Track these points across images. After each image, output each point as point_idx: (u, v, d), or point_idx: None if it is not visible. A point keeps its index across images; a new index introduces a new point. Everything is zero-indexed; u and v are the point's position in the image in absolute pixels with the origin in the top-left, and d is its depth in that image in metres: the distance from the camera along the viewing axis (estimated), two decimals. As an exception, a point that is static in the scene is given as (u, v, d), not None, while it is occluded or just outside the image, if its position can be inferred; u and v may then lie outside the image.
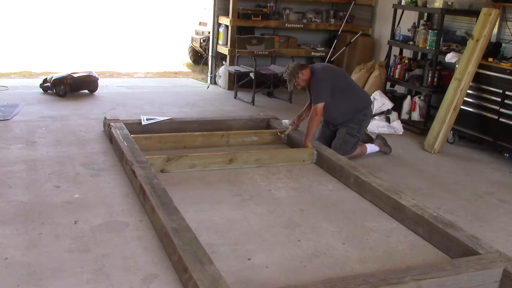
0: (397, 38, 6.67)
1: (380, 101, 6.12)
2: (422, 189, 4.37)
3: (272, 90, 7.63)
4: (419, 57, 6.88)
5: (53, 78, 6.83)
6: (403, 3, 6.55)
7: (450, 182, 4.58)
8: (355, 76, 7.22)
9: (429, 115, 6.14)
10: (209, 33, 8.67)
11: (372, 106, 5.96)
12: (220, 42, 8.01)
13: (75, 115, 5.91)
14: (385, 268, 3.04)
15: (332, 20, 8.32)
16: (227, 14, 7.74)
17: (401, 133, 6.04)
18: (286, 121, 5.48)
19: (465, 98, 5.42)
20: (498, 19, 5.49)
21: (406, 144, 5.68)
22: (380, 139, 5.24)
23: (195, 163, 4.39)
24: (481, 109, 5.33)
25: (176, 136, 4.99)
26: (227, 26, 7.76)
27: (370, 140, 5.25)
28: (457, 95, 5.38)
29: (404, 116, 6.45)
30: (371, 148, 5.12)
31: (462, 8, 5.97)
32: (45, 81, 6.96)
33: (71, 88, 6.83)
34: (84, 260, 2.90)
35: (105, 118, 5.32)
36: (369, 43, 7.86)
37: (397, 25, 6.72)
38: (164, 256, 2.99)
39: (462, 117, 5.46)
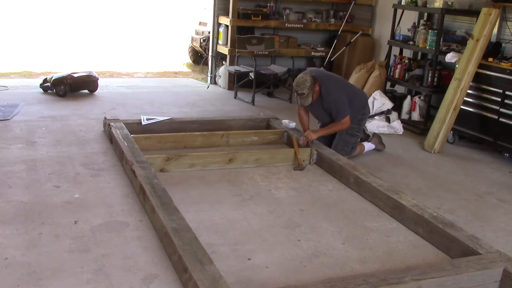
0: (397, 38, 6.67)
1: (380, 101, 6.12)
2: (422, 189, 4.37)
3: (272, 90, 7.63)
4: (419, 57, 6.88)
5: (53, 78, 6.83)
6: (403, 3, 6.55)
7: (450, 182, 4.58)
8: (355, 76, 7.22)
9: (429, 115, 6.14)
10: (209, 33, 8.67)
11: (372, 104, 5.97)
12: (220, 42, 8.01)
13: (75, 115, 5.91)
14: (385, 268, 3.04)
15: (332, 20, 8.32)
16: (227, 14, 7.74)
17: (401, 133, 6.04)
18: (286, 121, 5.46)
19: (465, 98, 5.42)
20: (498, 19, 5.49)
21: (406, 144, 5.68)
22: (376, 137, 5.31)
23: (194, 162, 4.40)
24: (481, 109, 5.33)
25: (176, 136, 4.99)
26: (227, 26, 7.76)
27: (367, 138, 5.29)
28: (457, 95, 5.38)
29: (404, 116, 6.45)
30: (368, 146, 5.17)
31: (462, 8, 5.97)
32: (45, 81, 6.96)
33: (71, 88, 6.83)
34: (84, 260, 2.90)
35: (105, 118, 5.32)
36: (369, 43, 7.86)
37: (397, 25, 6.72)
38: (164, 256, 2.99)
39: (462, 117, 5.46)
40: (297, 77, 4.64)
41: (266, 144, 5.24)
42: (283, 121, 5.51)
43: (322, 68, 7.53)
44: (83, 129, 5.38)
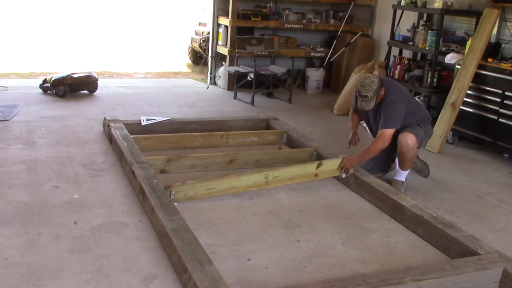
0: (396, 38, 6.68)
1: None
2: (421, 190, 4.36)
3: (272, 90, 7.63)
4: (418, 58, 6.88)
5: (52, 79, 6.83)
6: (402, 3, 6.56)
7: (450, 182, 4.59)
8: (354, 77, 7.21)
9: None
10: (208, 33, 8.67)
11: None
12: (219, 42, 8.01)
13: (74, 116, 5.90)
14: (384, 268, 3.04)
15: (332, 21, 8.32)
16: (226, 15, 7.74)
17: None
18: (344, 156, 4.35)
19: (464, 99, 5.42)
20: (498, 19, 5.49)
21: (405, 145, 5.67)
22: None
23: (195, 163, 4.40)
24: (480, 110, 5.33)
25: (176, 137, 4.99)
26: (226, 27, 7.76)
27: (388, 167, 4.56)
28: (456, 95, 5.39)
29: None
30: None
31: (462, 9, 5.98)
32: (44, 81, 6.96)
33: (70, 88, 6.83)
34: (84, 261, 2.90)
35: (104, 118, 5.32)
36: (369, 44, 7.86)
37: (397, 26, 6.72)
38: (164, 256, 2.99)
39: (461, 118, 5.46)
40: (364, 76, 4.07)
41: (265, 145, 5.24)
42: (341, 156, 4.33)
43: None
44: (83, 130, 5.37)
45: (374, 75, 4.10)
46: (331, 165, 4.18)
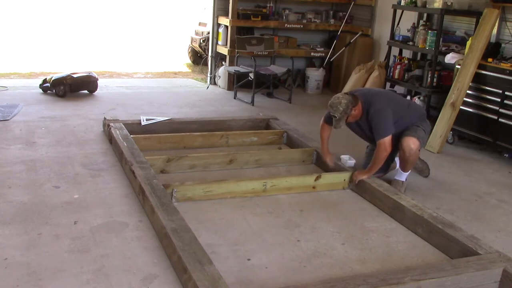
0: (396, 38, 6.68)
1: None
2: (421, 189, 4.37)
3: (272, 90, 7.63)
4: (418, 58, 6.88)
5: (52, 79, 6.83)
6: (402, 3, 6.56)
7: (450, 183, 4.59)
8: (354, 77, 7.23)
9: (429, 116, 6.13)
10: (208, 33, 8.67)
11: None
12: (219, 42, 8.01)
13: (74, 116, 5.90)
14: (384, 268, 3.04)
15: (332, 21, 8.32)
16: (226, 15, 7.74)
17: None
18: (345, 157, 4.52)
19: (464, 99, 5.42)
20: (498, 19, 5.49)
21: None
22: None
23: (195, 163, 4.40)
24: (480, 110, 5.33)
25: (176, 137, 4.99)
26: (226, 27, 7.76)
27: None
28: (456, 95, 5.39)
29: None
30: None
31: (462, 9, 5.98)
32: (44, 81, 6.96)
33: (70, 88, 6.83)
34: (83, 261, 2.90)
35: (104, 118, 5.32)
36: (369, 44, 7.86)
37: (397, 26, 6.73)
38: (164, 256, 3.00)
39: (461, 118, 5.46)
40: (334, 96, 4.10)
41: (265, 145, 5.24)
42: (342, 156, 4.56)
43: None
44: (83, 130, 5.37)
45: (344, 95, 4.06)
46: (329, 179, 4.20)
